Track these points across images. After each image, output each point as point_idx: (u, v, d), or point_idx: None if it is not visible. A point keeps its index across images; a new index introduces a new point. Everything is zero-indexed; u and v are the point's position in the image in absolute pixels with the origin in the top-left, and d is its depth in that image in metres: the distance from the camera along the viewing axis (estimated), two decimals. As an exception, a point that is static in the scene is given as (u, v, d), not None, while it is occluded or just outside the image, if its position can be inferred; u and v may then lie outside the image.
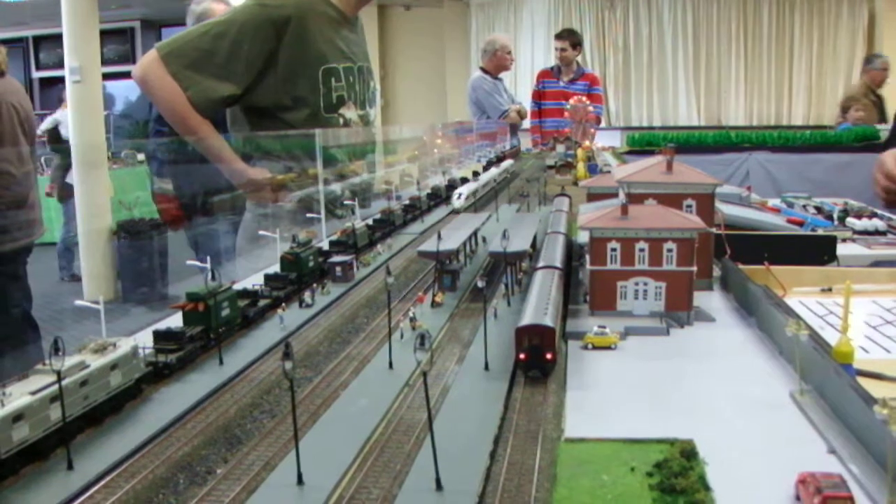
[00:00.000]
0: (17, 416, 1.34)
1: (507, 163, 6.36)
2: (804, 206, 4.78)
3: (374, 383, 1.85)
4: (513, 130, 10.78)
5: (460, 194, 4.34)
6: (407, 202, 4.12)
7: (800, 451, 1.52)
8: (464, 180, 5.02)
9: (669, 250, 2.32)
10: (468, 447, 1.45)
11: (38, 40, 21.65)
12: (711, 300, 2.65)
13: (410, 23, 19.94)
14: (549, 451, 1.47)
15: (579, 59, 11.08)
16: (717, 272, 2.90)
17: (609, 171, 4.68)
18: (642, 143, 9.53)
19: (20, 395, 1.38)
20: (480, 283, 2.24)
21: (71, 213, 11.17)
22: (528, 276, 2.56)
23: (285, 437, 1.54)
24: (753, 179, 8.97)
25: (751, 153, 9.58)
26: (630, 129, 17.18)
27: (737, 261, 2.77)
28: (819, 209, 4.69)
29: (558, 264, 2.54)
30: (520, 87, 16.15)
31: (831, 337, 2.01)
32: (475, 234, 3.20)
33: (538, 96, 10.99)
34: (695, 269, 2.35)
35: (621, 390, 1.88)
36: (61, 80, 11.34)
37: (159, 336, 1.90)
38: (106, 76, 11.11)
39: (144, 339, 1.85)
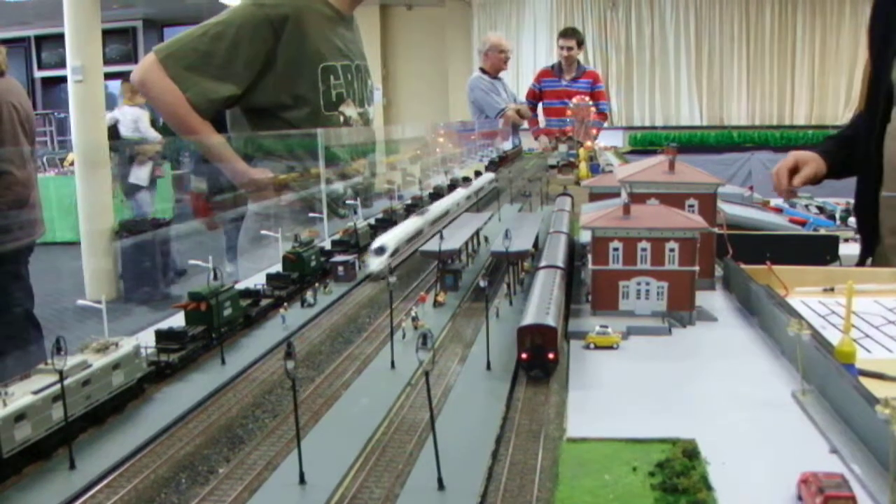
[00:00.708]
0: (20, 416, 1.34)
1: (485, 178, 4.94)
2: (806, 206, 4.78)
3: (376, 383, 1.85)
4: (514, 130, 10.79)
5: (383, 248, 2.69)
6: (409, 202, 4.12)
7: (802, 451, 1.52)
8: (466, 180, 4.96)
9: (672, 250, 2.32)
10: (470, 447, 1.45)
11: (40, 40, 21.68)
12: (714, 300, 2.64)
13: (412, 22, 19.93)
14: (550, 451, 1.47)
15: (580, 57, 11.09)
16: (719, 272, 2.90)
17: (611, 171, 4.67)
18: (644, 143, 9.57)
19: (22, 394, 1.38)
20: (482, 283, 2.24)
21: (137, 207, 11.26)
22: (530, 276, 2.56)
23: (287, 437, 1.54)
24: (756, 179, 8.98)
25: (753, 153, 9.60)
26: (632, 128, 17.21)
27: (739, 261, 2.77)
28: (821, 209, 4.68)
29: (560, 264, 2.53)
30: (522, 86, 16.14)
31: (833, 337, 2.00)
32: (477, 233, 3.20)
33: (533, 95, 10.97)
34: (697, 268, 2.34)
35: (623, 390, 1.88)
36: (63, 79, 11.36)
37: (161, 335, 1.89)
38: (108, 76, 11.13)
39: (146, 339, 1.85)
